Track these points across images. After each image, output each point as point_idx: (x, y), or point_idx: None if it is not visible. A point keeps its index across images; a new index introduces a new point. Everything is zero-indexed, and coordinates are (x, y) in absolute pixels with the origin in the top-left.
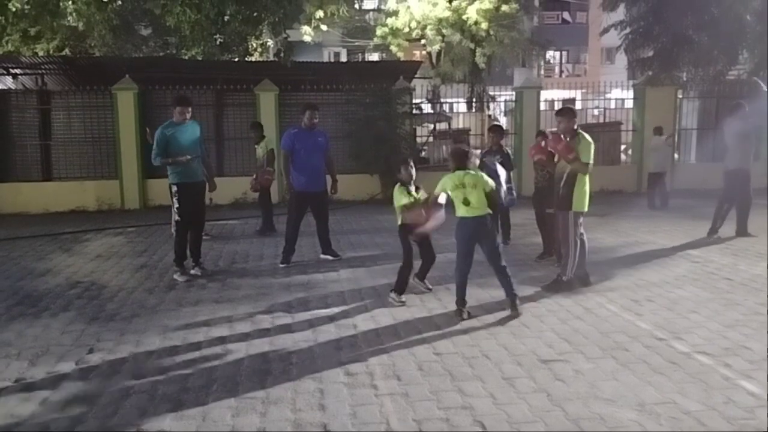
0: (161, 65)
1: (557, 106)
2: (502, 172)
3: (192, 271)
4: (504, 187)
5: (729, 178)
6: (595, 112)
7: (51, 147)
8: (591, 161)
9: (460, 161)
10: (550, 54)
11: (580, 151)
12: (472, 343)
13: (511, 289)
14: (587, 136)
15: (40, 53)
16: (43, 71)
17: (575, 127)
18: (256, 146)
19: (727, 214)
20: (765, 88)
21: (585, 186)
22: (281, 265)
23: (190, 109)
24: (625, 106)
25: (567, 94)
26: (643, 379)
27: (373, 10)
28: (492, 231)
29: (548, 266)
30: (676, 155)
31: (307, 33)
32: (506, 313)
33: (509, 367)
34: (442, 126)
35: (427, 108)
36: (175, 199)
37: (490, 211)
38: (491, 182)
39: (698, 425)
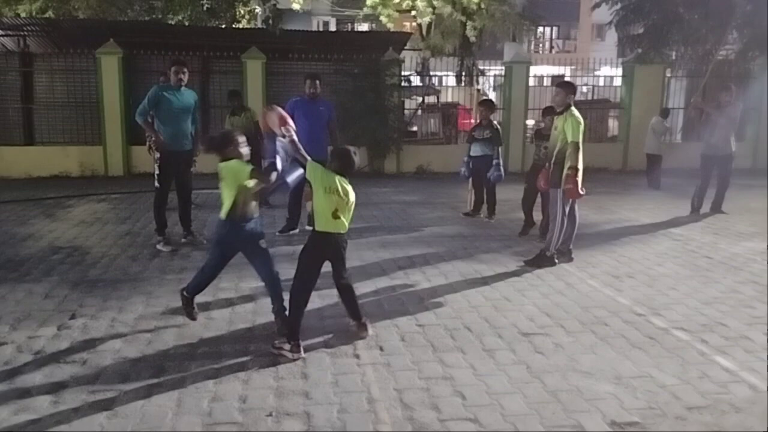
0: (147, 30)
1: (546, 81)
2: None
3: (184, 240)
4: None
5: (705, 161)
6: (584, 89)
7: (33, 111)
8: (579, 140)
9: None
10: (540, 29)
11: (566, 129)
12: (455, 316)
13: None
14: (576, 114)
15: (23, 15)
16: (26, 33)
17: (570, 103)
18: (234, 117)
19: (704, 193)
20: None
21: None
22: (277, 234)
23: (186, 71)
24: (614, 84)
25: (556, 70)
26: (621, 353)
27: None
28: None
29: (531, 241)
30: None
31: (296, 1)
32: (488, 287)
33: (490, 339)
34: (430, 99)
35: (416, 80)
36: (156, 166)
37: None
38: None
39: (673, 399)
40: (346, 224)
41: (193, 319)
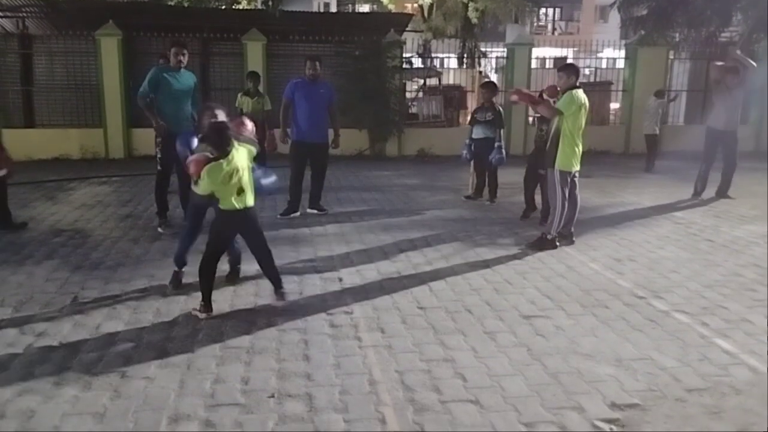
0: (146, 11)
1: (549, 63)
2: None
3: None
4: None
5: (712, 137)
6: (587, 71)
7: (33, 93)
8: (564, 110)
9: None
10: (543, 11)
11: (560, 103)
12: (456, 298)
13: None
14: (575, 93)
15: None
16: (25, 14)
17: (574, 84)
18: (246, 97)
19: (707, 175)
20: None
21: (572, 146)
22: (279, 217)
23: (185, 53)
24: (617, 66)
25: (559, 52)
26: (622, 335)
27: None
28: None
29: (532, 224)
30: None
31: None
32: (489, 270)
33: (491, 321)
34: (432, 81)
35: (417, 63)
36: (158, 149)
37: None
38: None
39: (673, 381)
40: (251, 198)
41: (179, 283)
